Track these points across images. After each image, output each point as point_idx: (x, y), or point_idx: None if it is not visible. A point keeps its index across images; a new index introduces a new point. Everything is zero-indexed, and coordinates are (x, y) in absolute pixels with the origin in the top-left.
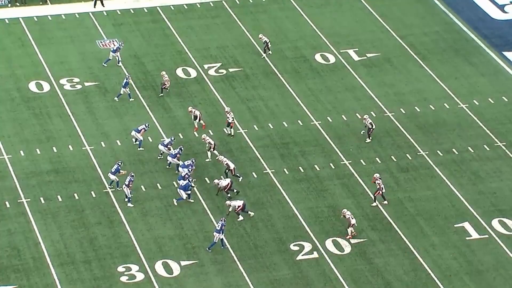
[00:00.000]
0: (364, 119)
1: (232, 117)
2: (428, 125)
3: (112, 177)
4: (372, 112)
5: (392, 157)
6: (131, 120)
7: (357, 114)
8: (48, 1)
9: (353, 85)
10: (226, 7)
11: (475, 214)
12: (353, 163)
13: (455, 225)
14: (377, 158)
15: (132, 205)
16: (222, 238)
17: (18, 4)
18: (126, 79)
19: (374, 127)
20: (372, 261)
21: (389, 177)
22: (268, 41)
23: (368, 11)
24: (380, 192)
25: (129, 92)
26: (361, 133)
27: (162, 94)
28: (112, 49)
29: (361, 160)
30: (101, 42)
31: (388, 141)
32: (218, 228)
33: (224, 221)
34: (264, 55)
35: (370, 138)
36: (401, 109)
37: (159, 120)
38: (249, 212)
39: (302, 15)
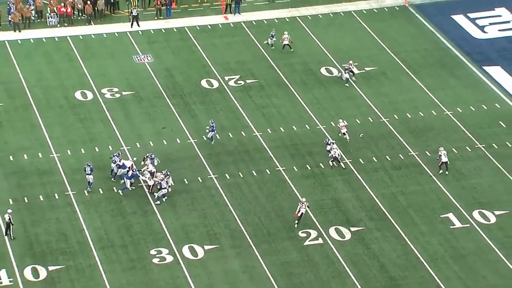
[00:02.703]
0: (439, 150)
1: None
2: (418, 130)
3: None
4: (369, 118)
5: (387, 156)
6: (162, 124)
7: (357, 120)
8: (92, 22)
9: (354, 94)
10: (244, 27)
11: (458, 206)
12: (353, 162)
13: (441, 216)
14: (373, 158)
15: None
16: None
17: (66, 24)
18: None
19: (448, 162)
20: (369, 246)
21: (384, 174)
22: (352, 69)
23: (367, 31)
24: None
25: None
26: (360, 135)
27: (283, 50)
28: (345, 70)
29: (360, 159)
30: (137, 57)
31: (383, 143)
32: (211, 128)
33: (212, 122)
34: (353, 78)
35: (447, 171)
36: (395, 116)
37: (186, 124)
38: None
39: (310, 34)
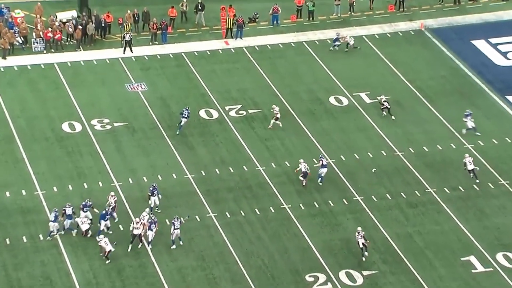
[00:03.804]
0: (465, 157)
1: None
2: (436, 164)
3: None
4: (382, 151)
5: (402, 193)
6: (157, 158)
7: (369, 153)
8: (81, 48)
9: (365, 125)
10: (246, 53)
11: (480, 248)
12: (364, 199)
13: (462, 258)
14: (387, 195)
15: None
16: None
17: (53, 50)
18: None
19: (476, 168)
20: None
21: (399, 212)
22: (388, 106)
23: (379, 56)
24: None
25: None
26: (372, 171)
27: (274, 125)
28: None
29: (372, 196)
30: (129, 86)
31: (398, 178)
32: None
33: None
34: (384, 113)
35: (477, 178)
36: (410, 149)
37: (183, 158)
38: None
39: (317, 60)
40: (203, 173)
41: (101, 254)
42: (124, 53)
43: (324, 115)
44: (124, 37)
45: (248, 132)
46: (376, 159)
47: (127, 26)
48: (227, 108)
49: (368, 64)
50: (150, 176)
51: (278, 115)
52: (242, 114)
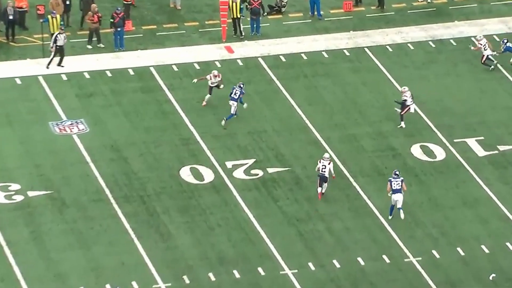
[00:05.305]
0: None
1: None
2: None
3: None
4: (508, 244)
5: None
6: (103, 253)
7: (483, 246)
8: None
9: (476, 196)
10: (264, 67)
11: None
12: None
13: None
14: None
15: None
16: None
17: None
18: None
19: None
20: None
21: None
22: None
23: (501, 74)
24: None
25: None
26: (490, 278)
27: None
28: None
29: None
30: (57, 125)
31: None
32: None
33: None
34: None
35: None
36: None
37: (150, 253)
38: None
39: (390, 80)
40: (187, 281)
41: None
42: (48, 66)
43: (404, 177)
44: (53, 39)
45: (266, 207)
46: (496, 257)
47: (54, 20)
48: (229, 164)
49: (481, 88)
50: (93, 285)
51: (222, 86)
52: (257, 175)
